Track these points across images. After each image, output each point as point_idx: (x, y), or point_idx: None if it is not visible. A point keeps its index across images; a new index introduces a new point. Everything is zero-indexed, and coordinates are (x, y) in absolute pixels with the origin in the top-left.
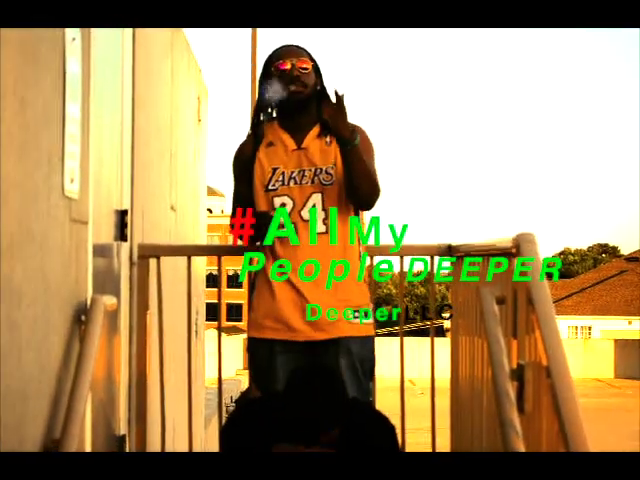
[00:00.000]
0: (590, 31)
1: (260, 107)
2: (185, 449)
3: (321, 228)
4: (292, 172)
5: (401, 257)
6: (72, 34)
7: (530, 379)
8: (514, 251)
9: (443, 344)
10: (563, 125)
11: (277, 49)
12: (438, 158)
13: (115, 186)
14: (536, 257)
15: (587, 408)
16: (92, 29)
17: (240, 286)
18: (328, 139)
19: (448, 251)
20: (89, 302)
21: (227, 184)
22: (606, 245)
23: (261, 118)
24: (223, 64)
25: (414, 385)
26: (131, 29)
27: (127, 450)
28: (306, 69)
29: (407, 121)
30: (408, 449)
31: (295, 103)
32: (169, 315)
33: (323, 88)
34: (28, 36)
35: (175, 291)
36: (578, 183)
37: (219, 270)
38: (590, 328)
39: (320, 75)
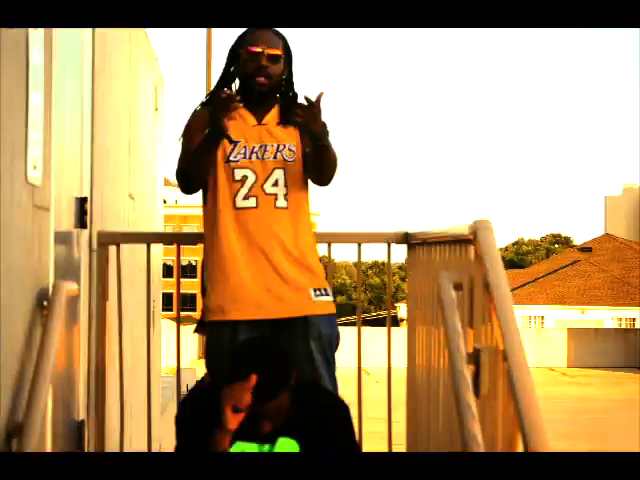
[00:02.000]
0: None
1: (225, 80)
2: (143, 436)
3: (282, 203)
4: (254, 146)
5: (358, 245)
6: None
7: (486, 363)
8: (471, 237)
9: (398, 333)
10: (520, 115)
11: (253, 30)
12: (396, 147)
13: (75, 173)
14: (492, 243)
15: (541, 397)
16: None
17: (194, 276)
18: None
19: (405, 239)
20: (51, 288)
21: None
22: (559, 235)
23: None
24: (179, 52)
25: (369, 374)
26: None
27: (86, 434)
28: (276, 58)
29: (371, 109)
30: (366, 438)
31: (258, 92)
32: (128, 303)
33: (290, 76)
34: None
35: (134, 279)
36: (532, 174)
37: (178, 258)
38: (543, 318)
39: (290, 63)
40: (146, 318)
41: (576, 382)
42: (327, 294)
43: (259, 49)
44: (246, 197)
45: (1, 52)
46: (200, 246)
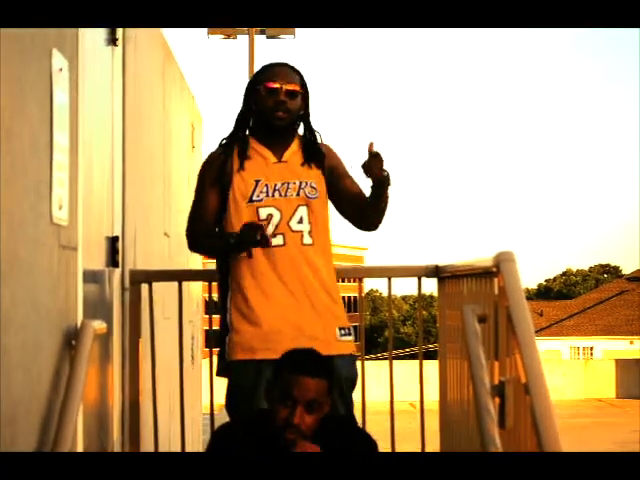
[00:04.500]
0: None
1: (243, 120)
2: None
3: (308, 240)
4: (275, 184)
5: (389, 278)
6: (59, 64)
7: (510, 395)
8: (495, 270)
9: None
10: (565, 144)
11: (270, 65)
12: (436, 175)
13: (106, 213)
14: (515, 275)
15: (588, 427)
16: (81, 57)
17: None
18: (304, 156)
19: (435, 272)
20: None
21: None
22: (608, 265)
23: (246, 132)
24: (219, 91)
25: (414, 408)
26: (121, 56)
27: None
28: (294, 94)
29: (400, 137)
30: None
31: (276, 127)
32: (163, 340)
33: (307, 113)
34: (14, 68)
35: (170, 317)
36: (580, 204)
37: (209, 295)
38: (592, 348)
39: (307, 99)
40: (185, 355)
41: (624, 412)
42: (350, 333)
43: (277, 85)
44: (273, 235)
45: (25, 93)
46: None
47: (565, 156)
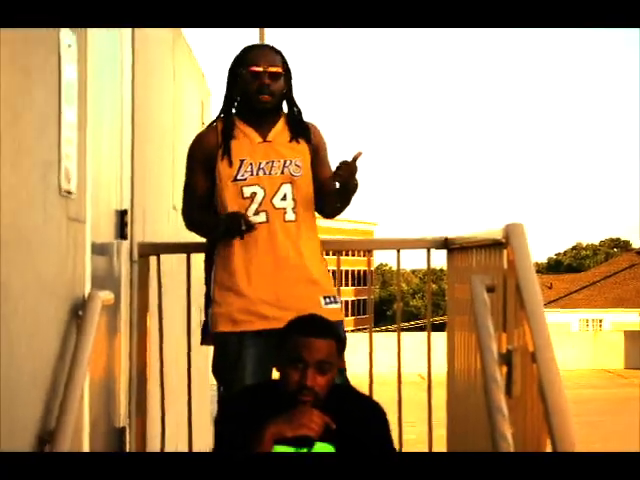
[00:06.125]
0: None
1: (228, 102)
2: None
3: (291, 216)
4: (260, 163)
5: (398, 250)
6: (67, 40)
7: (518, 363)
8: (504, 241)
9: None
10: (576, 118)
11: (251, 48)
12: (446, 150)
13: (115, 187)
14: (524, 246)
15: (596, 399)
16: (89, 33)
17: None
18: (290, 134)
19: (445, 244)
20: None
21: None
22: (618, 240)
23: (232, 112)
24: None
25: (423, 380)
26: (130, 33)
27: (127, 442)
28: (277, 75)
29: (411, 115)
30: (412, 441)
31: (261, 110)
32: (172, 313)
33: (290, 92)
34: (22, 44)
35: (179, 290)
36: (591, 179)
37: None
38: (601, 321)
39: (289, 79)
40: (194, 327)
41: (630, 383)
42: (335, 302)
43: (260, 68)
44: (256, 212)
45: (32, 69)
46: None
47: (576, 130)
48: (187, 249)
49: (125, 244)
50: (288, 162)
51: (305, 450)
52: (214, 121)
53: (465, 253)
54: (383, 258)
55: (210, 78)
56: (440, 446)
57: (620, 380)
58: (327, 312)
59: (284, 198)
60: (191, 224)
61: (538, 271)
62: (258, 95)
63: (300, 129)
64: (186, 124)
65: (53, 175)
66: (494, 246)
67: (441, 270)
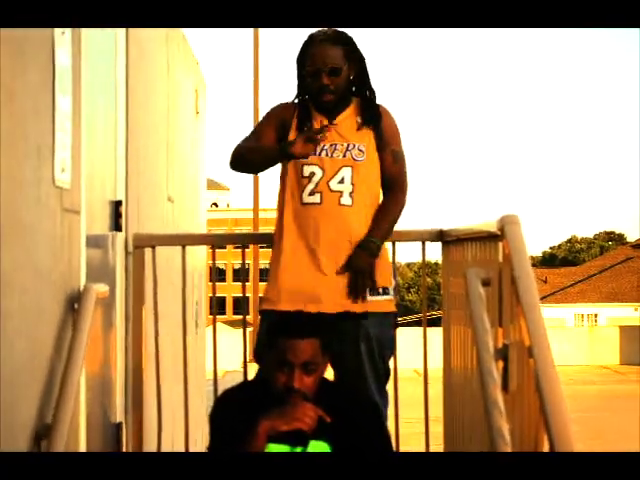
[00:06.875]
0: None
1: (300, 90)
2: (183, 439)
3: (347, 201)
4: (324, 145)
5: (393, 243)
6: (61, 28)
7: (514, 358)
8: (499, 233)
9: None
10: (571, 111)
11: (309, 44)
12: (441, 141)
13: (109, 178)
14: (520, 238)
15: (591, 395)
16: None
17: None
18: (359, 119)
19: (440, 236)
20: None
21: (232, 177)
22: (612, 233)
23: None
24: (222, 57)
25: (419, 375)
26: None
27: (124, 436)
28: (336, 71)
29: (406, 107)
30: (409, 438)
31: (326, 106)
32: (169, 306)
33: (362, 75)
34: (16, 32)
35: (174, 282)
36: (585, 172)
37: (213, 259)
38: (596, 315)
39: (356, 63)
40: (189, 321)
41: (626, 379)
42: (384, 293)
43: (317, 68)
44: (312, 193)
45: (25, 55)
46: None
47: (571, 122)
48: (183, 241)
49: (120, 235)
50: (351, 146)
51: (300, 449)
52: (296, 99)
53: (461, 246)
54: None
55: (206, 67)
56: (437, 442)
57: (616, 376)
58: (370, 304)
59: (342, 181)
60: (245, 150)
61: (533, 265)
62: (319, 96)
63: (369, 114)
64: (180, 114)
65: (47, 165)
66: (489, 239)
67: (436, 263)
